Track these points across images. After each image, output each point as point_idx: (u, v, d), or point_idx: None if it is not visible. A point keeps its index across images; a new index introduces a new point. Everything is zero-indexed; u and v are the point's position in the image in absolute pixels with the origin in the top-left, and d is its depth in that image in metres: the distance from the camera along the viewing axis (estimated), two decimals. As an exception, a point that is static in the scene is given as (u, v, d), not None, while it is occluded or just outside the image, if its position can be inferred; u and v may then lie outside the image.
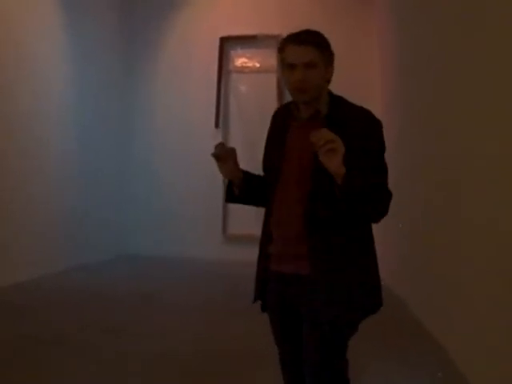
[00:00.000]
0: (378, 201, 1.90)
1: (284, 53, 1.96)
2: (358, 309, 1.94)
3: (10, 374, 3.45)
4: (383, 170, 1.94)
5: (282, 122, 2.09)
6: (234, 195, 2.13)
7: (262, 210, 2.16)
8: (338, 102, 2.00)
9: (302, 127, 1.99)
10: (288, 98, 2.08)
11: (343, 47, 7.26)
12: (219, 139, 8.20)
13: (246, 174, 2.12)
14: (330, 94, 2.02)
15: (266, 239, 2.07)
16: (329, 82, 2.02)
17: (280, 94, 7.71)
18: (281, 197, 2.01)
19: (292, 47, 1.93)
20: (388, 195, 1.92)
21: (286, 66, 1.96)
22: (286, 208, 1.99)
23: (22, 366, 3.60)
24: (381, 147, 1.96)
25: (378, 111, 7.05)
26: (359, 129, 1.90)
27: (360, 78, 7.71)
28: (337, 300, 1.90)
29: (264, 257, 2.08)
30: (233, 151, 2.03)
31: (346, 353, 1.98)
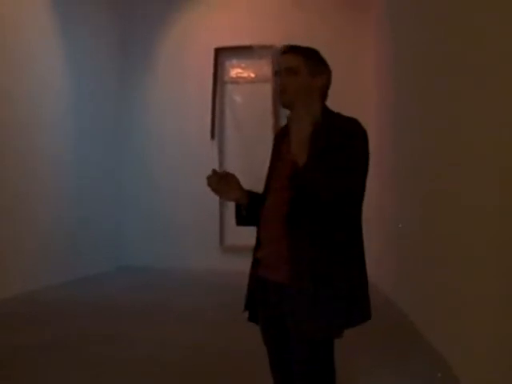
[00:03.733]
0: (325, 187, 1.85)
1: None
2: (341, 321, 1.89)
3: (10, 382, 3.44)
4: (349, 171, 1.87)
5: (281, 139, 2.13)
6: (243, 217, 2.15)
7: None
8: (329, 114, 2.01)
9: (288, 132, 2.05)
10: (283, 109, 2.11)
11: (339, 56, 7.37)
12: (215, 150, 8.22)
13: (251, 194, 2.15)
14: (325, 107, 2.04)
15: (256, 244, 2.10)
16: (322, 94, 2.05)
17: (275, 104, 7.72)
18: (268, 203, 2.05)
19: (279, 57, 2.07)
20: (343, 190, 1.85)
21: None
22: (271, 214, 2.02)
23: (21, 374, 3.59)
24: (354, 158, 1.90)
25: (372, 116, 7.12)
26: (337, 139, 1.90)
27: (356, 85, 7.74)
28: (320, 312, 1.86)
29: (254, 262, 2.10)
30: (232, 178, 2.08)
31: (332, 362, 1.94)
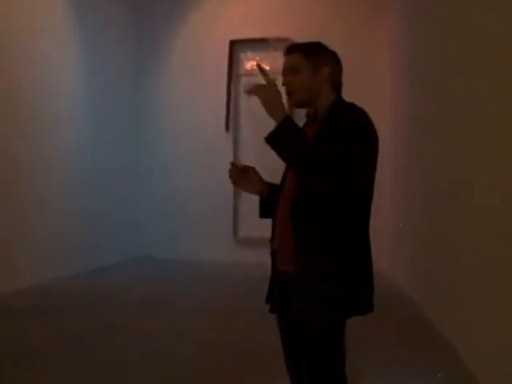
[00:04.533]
0: (306, 153, 1.77)
1: None
2: (341, 311, 1.89)
3: (14, 372, 3.49)
4: (340, 151, 1.78)
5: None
6: (265, 209, 2.18)
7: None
8: (340, 105, 1.99)
9: (306, 129, 2.04)
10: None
11: (354, 50, 7.36)
12: (229, 142, 8.24)
13: (272, 186, 2.18)
14: (338, 99, 2.03)
15: (272, 236, 2.12)
16: (333, 84, 2.02)
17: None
18: (282, 195, 2.07)
19: (284, 58, 2.06)
20: (323, 160, 1.76)
21: None
22: (282, 205, 2.03)
23: (34, 366, 3.63)
24: (350, 143, 1.81)
25: (387, 111, 7.09)
26: (336, 120, 1.88)
27: (370, 79, 7.71)
28: (319, 302, 1.87)
29: (272, 254, 2.13)
30: (252, 170, 2.11)
31: (337, 350, 1.95)
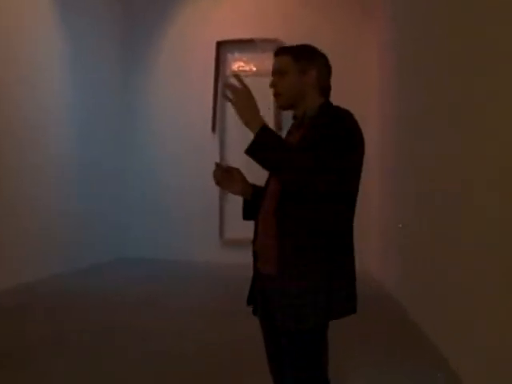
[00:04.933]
0: (290, 164, 1.77)
1: None
2: (321, 313, 1.87)
3: (8, 373, 3.46)
4: (321, 156, 1.76)
5: (288, 132, 2.15)
6: (249, 211, 2.18)
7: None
8: (327, 107, 1.99)
9: (292, 132, 2.08)
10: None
11: (342, 52, 7.37)
12: (216, 143, 8.22)
13: (256, 187, 2.19)
14: (326, 102, 2.03)
15: (254, 237, 2.12)
16: (321, 89, 2.02)
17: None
18: (266, 196, 2.06)
19: (273, 59, 2.07)
20: (308, 171, 1.76)
21: None
22: (265, 205, 2.03)
23: (27, 367, 3.60)
24: (333, 142, 1.80)
25: (375, 113, 7.10)
26: (322, 122, 1.87)
27: (358, 82, 7.73)
28: (299, 304, 1.86)
29: (253, 255, 2.12)
30: (236, 171, 2.12)
31: (320, 353, 1.93)
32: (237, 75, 2.00)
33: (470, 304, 3.37)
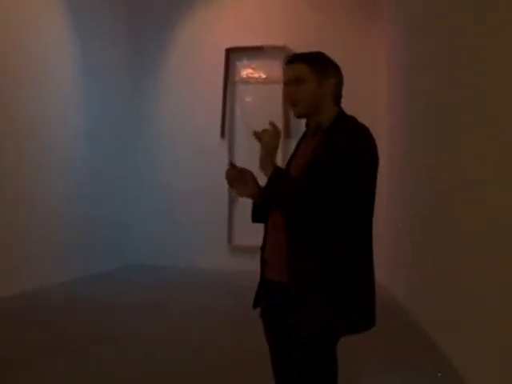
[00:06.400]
0: (299, 205, 1.84)
1: None
2: (341, 327, 1.86)
3: (13, 379, 3.47)
4: (334, 190, 1.80)
5: (300, 139, 2.16)
6: (258, 214, 2.17)
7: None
8: (342, 117, 1.99)
9: (306, 141, 2.08)
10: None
11: (351, 57, 7.36)
12: (225, 150, 8.23)
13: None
14: (341, 111, 2.02)
15: (262, 244, 2.11)
16: (336, 97, 2.03)
17: (285, 105, 7.72)
18: None
19: (284, 68, 2.06)
20: (317, 211, 1.82)
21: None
22: (276, 214, 2.02)
23: (29, 374, 3.60)
24: (348, 168, 1.82)
25: (383, 118, 7.06)
26: (337, 142, 1.87)
27: (367, 87, 7.71)
28: (318, 317, 1.84)
29: (261, 262, 2.11)
30: (249, 173, 2.10)
31: (332, 368, 1.93)
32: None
33: (470, 304, 3.35)
